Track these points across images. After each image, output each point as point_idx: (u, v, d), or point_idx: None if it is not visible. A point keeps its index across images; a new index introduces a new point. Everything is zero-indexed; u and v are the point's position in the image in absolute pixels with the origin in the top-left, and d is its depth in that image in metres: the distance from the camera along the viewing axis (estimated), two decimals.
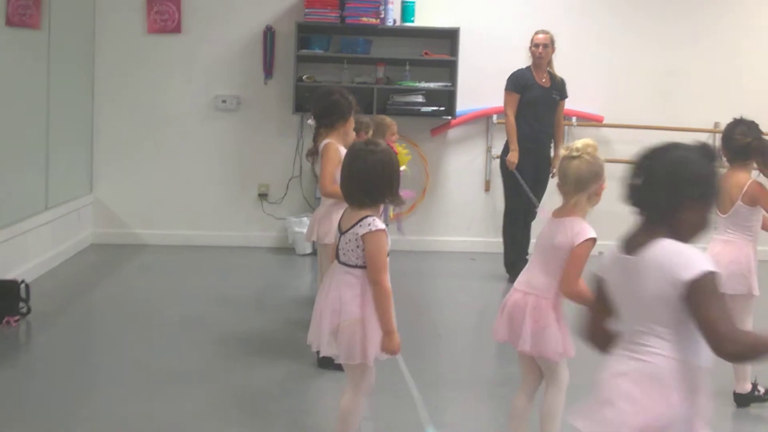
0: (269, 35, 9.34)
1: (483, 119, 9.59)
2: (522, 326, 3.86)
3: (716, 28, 9.75)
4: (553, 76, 8.28)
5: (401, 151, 5.61)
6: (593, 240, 3.85)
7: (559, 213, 3.97)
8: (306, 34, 9.17)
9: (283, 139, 9.44)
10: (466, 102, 9.33)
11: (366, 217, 3.76)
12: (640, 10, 9.67)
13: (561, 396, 3.91)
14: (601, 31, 9.65)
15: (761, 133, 5.13)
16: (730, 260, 4.93)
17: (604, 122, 9.61)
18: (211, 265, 8.69)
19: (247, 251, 9.28)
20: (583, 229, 3.87)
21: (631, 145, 9.68)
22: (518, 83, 8.17)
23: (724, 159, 5.16)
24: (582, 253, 3.82)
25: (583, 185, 3.89)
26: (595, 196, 3.93)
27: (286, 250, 9.32)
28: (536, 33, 8.26)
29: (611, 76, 9.64)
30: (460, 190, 9.71)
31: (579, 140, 3.95)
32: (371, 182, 3.77)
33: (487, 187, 9.66)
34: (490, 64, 9.38)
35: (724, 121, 9.55)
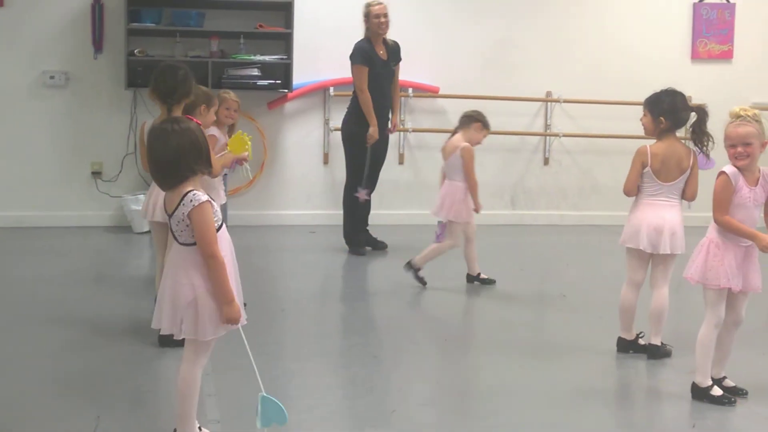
0: (98, 8, 9.08)
1: (320, 92, 9.59)
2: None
3: (545, 1, 10.00)
4: (387, 45, 8.23)
5: (240, 138, 5.53)
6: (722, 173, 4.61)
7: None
8: (136, 6, 8.95)
9: (115, 115, 9.21)
10: (302, 75, 9.31)
11: (187, 194, 3.69)
12: None
13: None
14: (435, 3, 9.77)
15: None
16: (678, 223, 5.31)
17: (440, 93, 9.75)
18: (45, 246, 8.42)
19: (82, 231, 9.04)
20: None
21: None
22: (366, 56, 8.03)
23: (661, 128, 5.32)
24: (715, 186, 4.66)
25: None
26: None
27: (122, 228, 9.12)
28: (372, 5, 8.10)
29: (445, 47, 9.77)
30: (298, 163, 9.70)
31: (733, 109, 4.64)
32: (180, 161, 3.69)
33: (326, 159, 9.68)
34: (325, 37, 9.39)
35: (556, 90, 9.97)
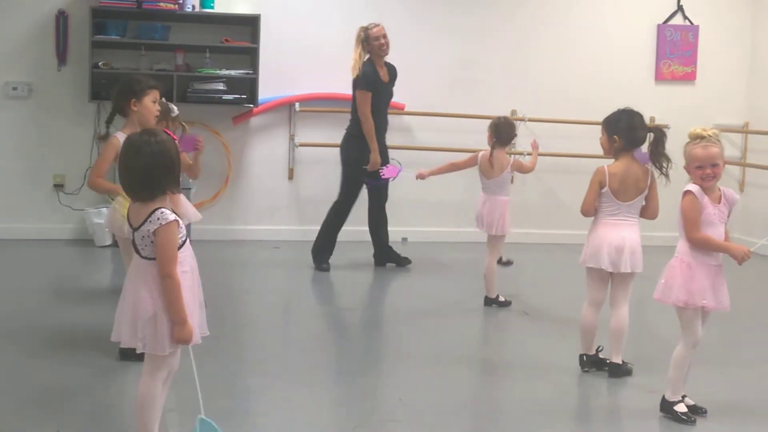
0: (62, 20, 9.03)
1: (285, 107, 9.58)
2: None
3: (510, 20, 10.06)
4: (387, 66, 8.29)
5: None
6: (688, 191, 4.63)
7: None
8: (101, 19, 8.91)
9: (79, 127, 9.14)
10: (268, 90, 9.30)
11: (155, 211, 3.70)
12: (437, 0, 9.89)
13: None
14: (401, 21, 9.78)
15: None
16: (637, 241, 5.35)
17: (406, 110, 9.77)
18: (5, 259, 8.33)
19: (43, 244, 8.94)
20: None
21: (431, 132, 10.00)
22: (371, 82, 8.04)
23: (616, 147, 5.36)
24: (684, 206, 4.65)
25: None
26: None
27: (84, 242, 9.04)
28: (370, 28, 8.06)
29: (412, 65, 9.78)
30: (263, 179, 9.67)
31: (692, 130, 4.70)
32: (153, 173, 3.71)
33: (291, 175, 9.66)
34: (291, 52, 9.40)
35: (520, 108, 10.02)
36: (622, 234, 5.31)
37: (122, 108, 5.42)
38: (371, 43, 8.06)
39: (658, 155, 5.23)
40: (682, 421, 4.69)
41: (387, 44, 8.12)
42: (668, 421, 4.73)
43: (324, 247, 8.34)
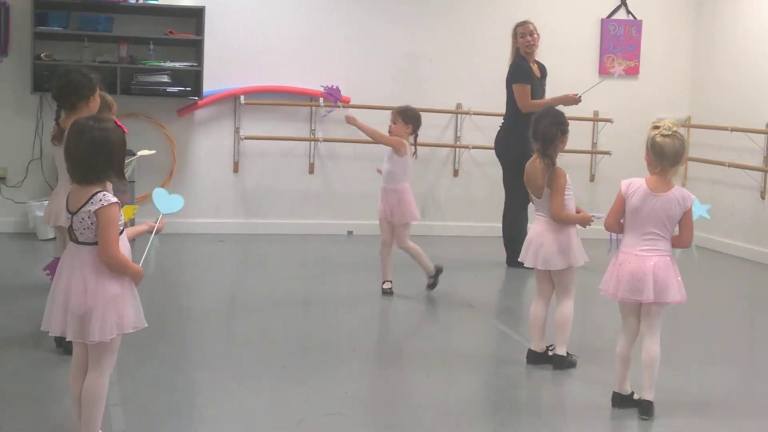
0: (3, 11, 8.89)
1: (230, 100, 9.52)
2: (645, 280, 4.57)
3: (455, 14, 10.09)
4: (539, 64, 8.46)
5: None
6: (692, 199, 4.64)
7: (661, 188, 4.61)
8: (43, 9, 8.79)
9: (21, 119, 9.02)
10: (212, 82, 9.24)
11: (96, 193, 3.71)
12: None
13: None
14: (346, 13, 9.79)
15: (567, 123, 5.45)
16: (554, 239, 5.31)
17: (351, 103, 9.76)
18: None
19: None
20: (687, 194, 4.64)
21: (377, 126, 9.95)
22: (527, 74, 8.25)
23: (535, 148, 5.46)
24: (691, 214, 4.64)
25: (678, 159, 4.59)
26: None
27: (27, 235, 8.93)
28: (519, 25, 8.33)
29: (357, 58, 9.79)
30: (208, 172, 9.61)
31: (665, 120, 4.64)
32: (91, 158, 3.72)
33: (236, 168, 9.61)
34: (236, 44, 9.35)
35: (466, 102, 10.04)
36: (534, 229, 5.42)
37: (75, 104, 5.33)
38: (518, 39, 8.33)
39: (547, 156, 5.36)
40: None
41: (533, 41, 8.32)
42: (613, 411, 4.78)
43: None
